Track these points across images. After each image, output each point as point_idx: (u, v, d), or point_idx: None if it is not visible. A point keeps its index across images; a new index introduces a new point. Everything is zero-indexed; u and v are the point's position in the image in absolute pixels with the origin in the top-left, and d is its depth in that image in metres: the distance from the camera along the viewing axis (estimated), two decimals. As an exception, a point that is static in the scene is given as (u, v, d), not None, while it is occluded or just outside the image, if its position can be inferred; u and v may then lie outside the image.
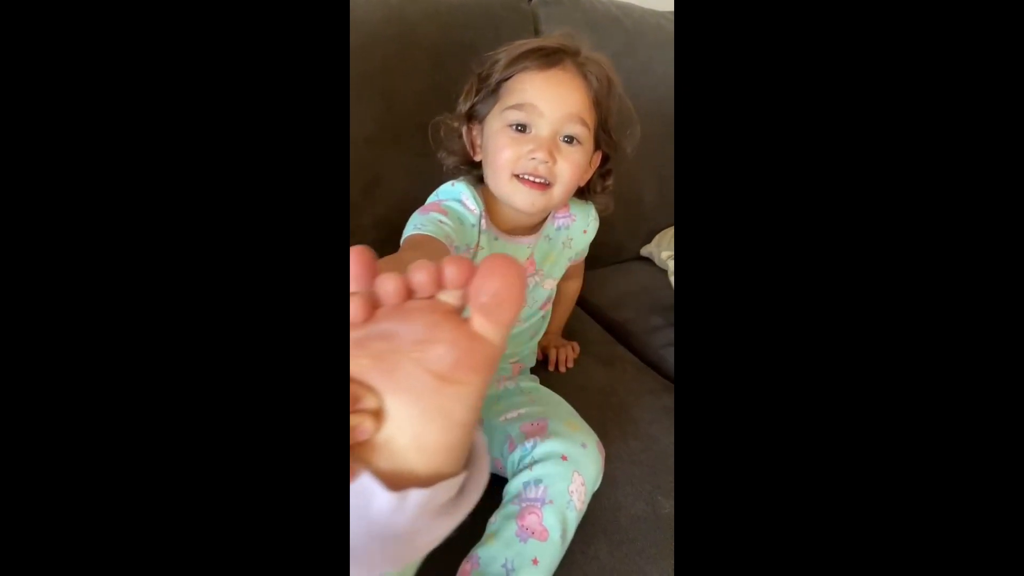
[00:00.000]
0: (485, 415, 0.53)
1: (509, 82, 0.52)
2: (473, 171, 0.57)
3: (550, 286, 0.62)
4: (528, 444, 0.47)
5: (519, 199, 0.51)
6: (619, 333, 0.77)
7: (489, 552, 0.41)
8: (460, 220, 0.52)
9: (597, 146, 0.55)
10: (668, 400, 0.63)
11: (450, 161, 0.59)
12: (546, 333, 0.70)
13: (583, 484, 0.45)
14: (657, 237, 0.94)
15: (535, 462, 0.45)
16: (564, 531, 0.43)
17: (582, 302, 0.80)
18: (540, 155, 0.49)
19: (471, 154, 0.56)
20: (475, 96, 0.54)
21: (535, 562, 0.41)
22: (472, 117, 0.55)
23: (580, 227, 0.61)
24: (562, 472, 0.44)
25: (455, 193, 0.54)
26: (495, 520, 0.43)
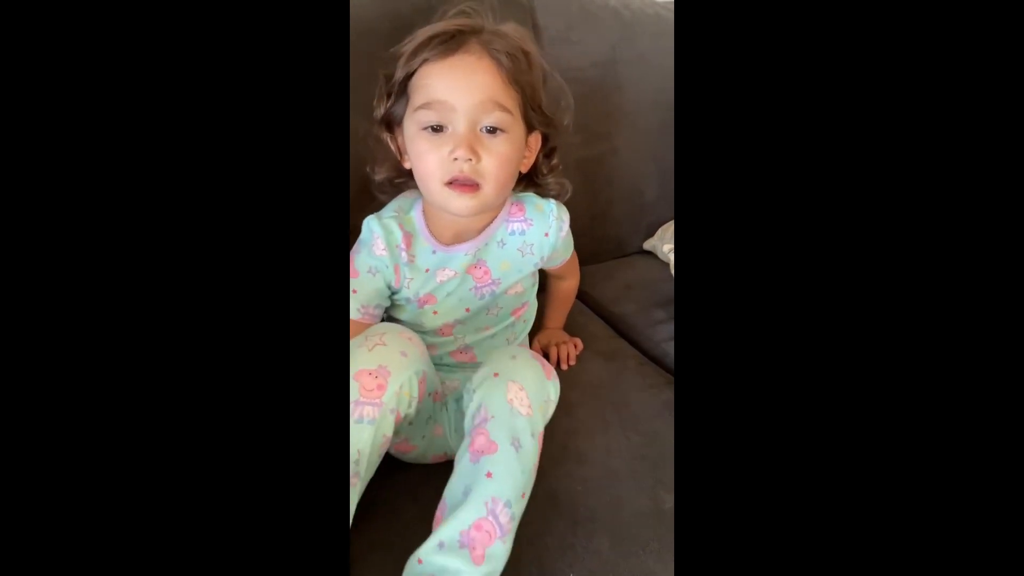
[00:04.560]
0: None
1: (414, 79, 0.48)
2: (410, 182, 0.53)
3: (516, 291, 0.57)
4: (469, 385, 0.46)
5: (454, 205, 0.47)
6: (621, 327, 0.76)
7: (450, 488, 0.42)
8: (374, 270, 0.51)
9: (531, 127, 0.50)
10: (670, 394, 0.62)
11: (381, 175, 0.55)
12: (546, 331, 0.69)
13: (521, 389, 0.43)
14: (660, 231, 0.93)
15: (473, 389, 0.44)
16: (514, 439, 0.41)
17: (583, 296, 0.79)
18: (460, 153, 0.45)
19: (401, 161, 0.52)
20: (386, 100, 0.50)
21: (488, 475, 0.40)
22: (390, 122, 0.51)
23: (539, 231, 0.55)
24: (495, 386, 0.43)
25: (366, 239, 0.51)
26: (455, 467, 0.43)
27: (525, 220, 0.55)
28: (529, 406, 0.43)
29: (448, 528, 0.39)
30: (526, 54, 0.49)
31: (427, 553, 0.39)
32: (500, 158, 0.47)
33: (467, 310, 0.55)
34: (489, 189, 0.48)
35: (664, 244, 0.90)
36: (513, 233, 0.55)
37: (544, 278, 0.68)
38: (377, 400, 0.41)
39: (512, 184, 0.51)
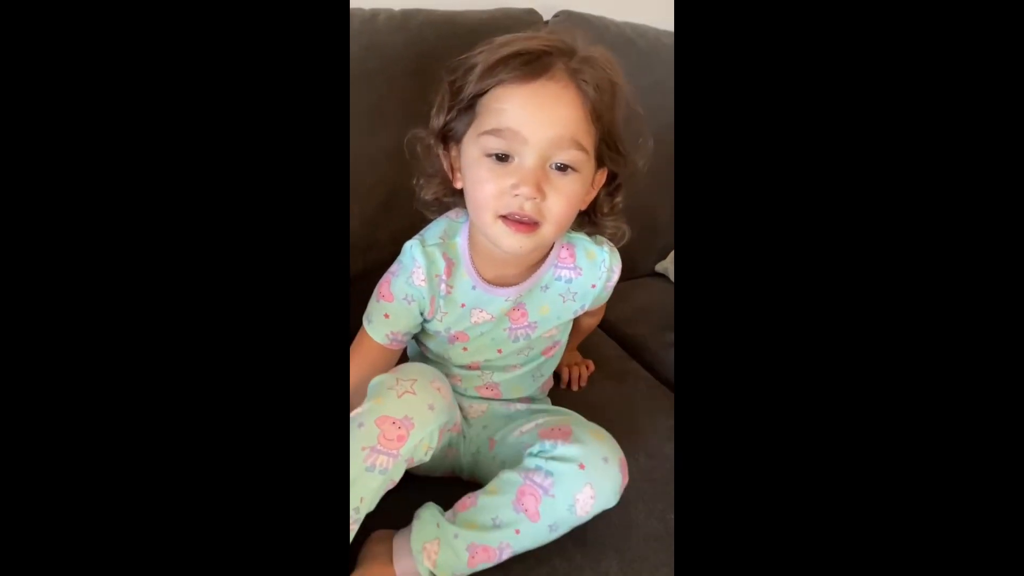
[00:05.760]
0: (499, 434, 0.52)
1: (485, 98, 0.42)
2: (459, 200, 0.49)
3: (551, 334, 0.54)
4: (548, 443, 0.44)
5: (506, 243, 0.43)
6: (633, 348, 0.76)
7: (486, 502, 0.44)
8: (410, 299, 0.48)
9: (600, 163, 0.46)
10: (682, 417, 0.62)
11: (429, 191, 0.50)
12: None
13: (592, 497, 0.43)
14: (672, 254, 0.94)
15: (552, 458, 0.44)
16: (555, 525, 0.43)
17: (595, 317, 0.80)
18: (525, 190, 0.41)
19: (452, 180, 0.48)
20: (447, 113, 0.45)
21: (517, 532, 0.43)
22: (448, 137, 0.46)
23: (587, 281, 0.51)
24: (575, 478, 0.43)
25: (407, 265, 0.48)
26: (503, 477, 0.45)
27: (575, 268, 0.51)
28: (588, 512, 0.43)
29: (462, 529, 0.43)
30: (613, 86, 0.44)
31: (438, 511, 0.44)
32: (567, 199, 0.43)
33: (499, 351, 0.53)
34: (548, 230, 0.44)
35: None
36: (559, 279, 0.51)
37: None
38: (395, 451, 0.40)
39: (569, 224, 0.46)
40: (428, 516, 0.44)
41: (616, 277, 0.52)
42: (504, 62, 0.41)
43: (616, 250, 0.53)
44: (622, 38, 0.84)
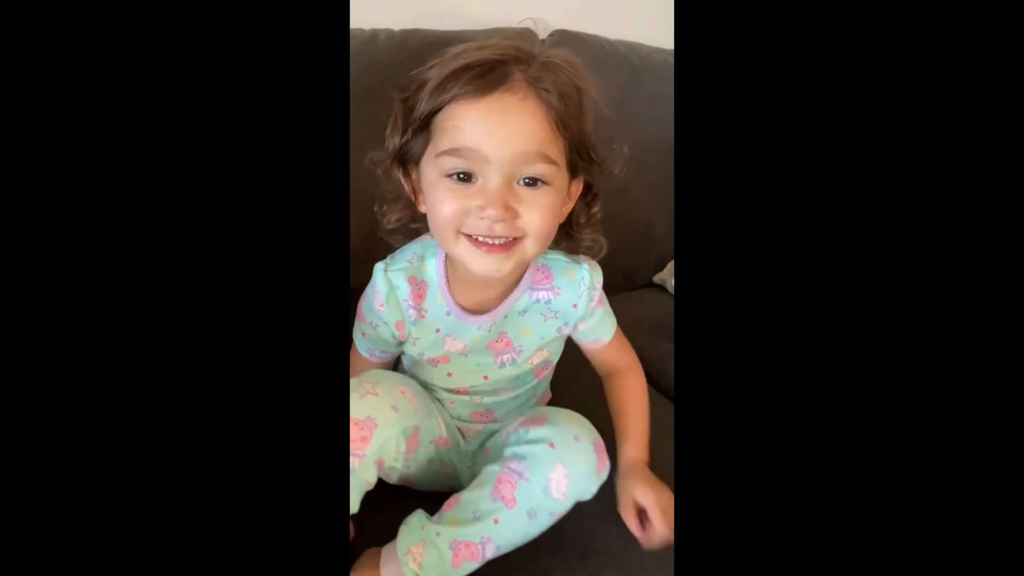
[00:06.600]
0: (491, 441, 0.52)
1: (439, 115, 0.39)
2: (426, 226, 0.44)
3: (541, 356, 0.51)
4: (522, 430, 0.44)
5: (476, 264, 0.40)
6: (631, 359, 0.77)
7: (468, 497, 0.43)
8: (375, 323, 0.47)
9: (574, 173, 0.43)
10: (681, 427, 0.62)
11: (392, 216, 0.47)
12: (631, 472, 0.48)
13: (566, 476, 0.41)
14: (669, 265, 0.95)
15: (526, 442, 0.43)
16: (533, 510, 0.42)
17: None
18: (492, 213, 0.37)
19: (416, 203, 0.44)
20: (402, 133, 0.41)
21: (496, 522, 0.42)
22: (406, 159, 0.43)
23: (568, 301, 0.48)
24: (547, 458, 0.41)
25: (370, 288, 0.46)
26: (485, 470, 0.44)
27: (552, 289, 0.48)
28: (565, 494, 0.42)
29: (445, 527, 0.42)
30: (579, 91, 0.40)
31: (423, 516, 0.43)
32: (542, 212, 0.39)
33: (485, 378, 0.50)
34: (531, 243, 0.40)
35: (673, 278, 0.91)
36: (538, 301, 0.48)
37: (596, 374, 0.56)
38: (360, 452, 0.39)
39: (553, 236, 0.43)
40: (414, 521, 0.43)
41: (599, 295, 0.49)
42: (455, 76, 0.38)
43: (597, 266, 0.49)
44: (616, 55, 0.86)
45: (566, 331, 0.51)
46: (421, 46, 0.69)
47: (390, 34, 0.69)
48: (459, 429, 0.54)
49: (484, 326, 0.47)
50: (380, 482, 0.45)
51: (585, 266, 0.48)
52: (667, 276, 0.94)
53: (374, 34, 0.69)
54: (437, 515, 0.44)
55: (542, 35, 0.81)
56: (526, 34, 0.80)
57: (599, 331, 0.52)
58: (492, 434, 0.53)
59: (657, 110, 0.87)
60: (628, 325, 0.85)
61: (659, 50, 0.91)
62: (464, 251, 0.40)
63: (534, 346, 0.50)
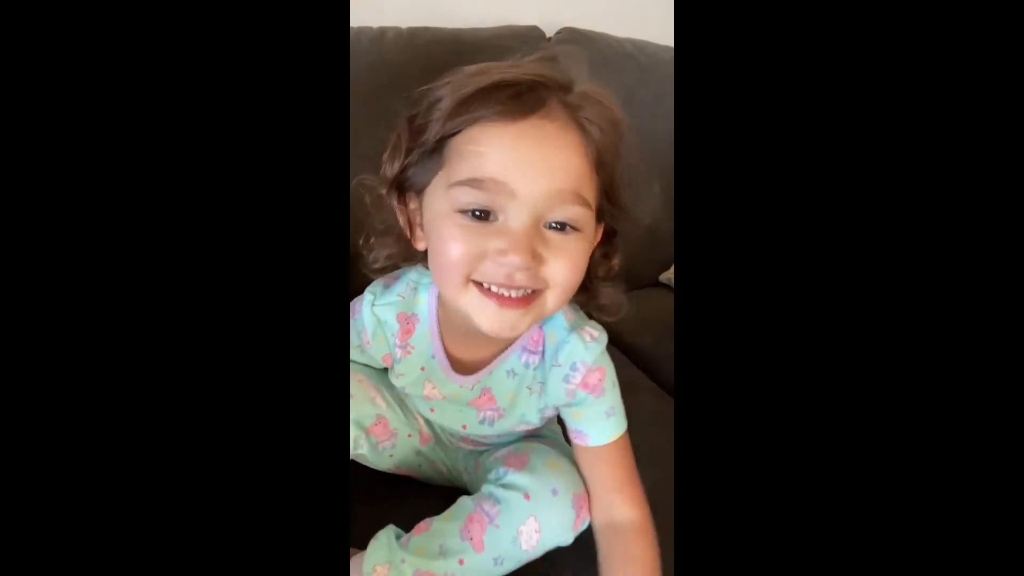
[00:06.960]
0: (483, 455, 0.49)
1: (457, 139, 0.33)
2: (422, 262, 0.39)
3: (524, 427, 0.45)
4: (503, 470, 0.41)
5: (486, 320, 0.33)
6: (636, 358, 0.77)
7: (438, 527, 0.40)
8: (361, 349, 0.43)
9: (599, 219, 0.36)
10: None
11: (380, 253, 0.40)
12: None
13: (537, 531, 0.38)
14: (675, 265, 0.95)
15: (503, 485, 0.40)
16: (500, 558, 0.39)
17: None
18: (516, 260, 0.31)
19: (411, 239, 0.38)
20: (406, 156, 0.35)
21: (460, 562, 0.38)
22: (405, 187, 0.36)
23: (559, 375, 0.39)
24: (520, 509, 0.38)
25: (355, 319, 0.41)
26: (459, 502, 0.41)
27: (541, 354, 0.41)
28: (534, 547, 0.38)
29: (410, 555, 0.39)
30: (616, 125, 0.34)
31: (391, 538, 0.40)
32: (571, 261, 0.33)
33: (464, 427, 0.45)
34: (553, 298, 0.34)
35: (679, 277, 0.91)
36: (529, 367, 0.41)
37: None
38: None
39: (575, 292, 0.36)
40: (384, 539, 0.40)
41: (583, 373, 0.39)
42: (483, 94, 0.32)
43: (602, 335, 0.40)
44: (622, 53, 0.86)
45: (550, 413, 0.43)
46: (429, 44, 0.69)
47: (398, 32, 0.70)
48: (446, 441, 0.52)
49: (466, 384, 0.42)
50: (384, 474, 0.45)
51: (581, 340, 0.39)
52: (673, 276, 0.93)
53: (382, 32, 0.69)
54: (406, 537, 0.41)
55: (549, 32, 0.81)
56: (533, 31, 0.80)
57: (588, 425, 0.41)
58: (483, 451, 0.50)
59: (664, 110, 0.86)
60: (634, 324, 0.86)
61: (666, 48, 0.91)
62: (472, 303, 0.34)
63: (516, 418, 0.43)
